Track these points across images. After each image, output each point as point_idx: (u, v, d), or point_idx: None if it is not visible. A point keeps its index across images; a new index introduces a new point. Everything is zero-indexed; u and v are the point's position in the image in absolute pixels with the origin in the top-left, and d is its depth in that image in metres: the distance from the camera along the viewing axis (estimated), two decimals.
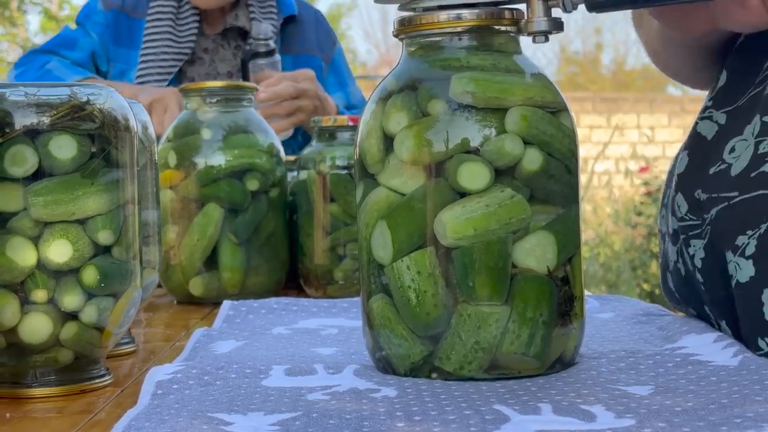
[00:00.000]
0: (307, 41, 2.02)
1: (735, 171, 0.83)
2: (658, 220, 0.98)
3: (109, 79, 1.94)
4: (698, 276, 0.86)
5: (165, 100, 1.72)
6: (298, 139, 1.90)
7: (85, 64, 1.94)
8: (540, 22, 0.77)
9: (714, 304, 0.86)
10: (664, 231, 0.95)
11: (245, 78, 1.81)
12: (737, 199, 0.82)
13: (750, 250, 0.80)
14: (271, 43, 1.84)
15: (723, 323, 0.86)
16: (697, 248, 0.86)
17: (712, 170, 0.85)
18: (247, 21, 1.96)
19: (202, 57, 1.97)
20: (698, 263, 0.86)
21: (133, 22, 1.95)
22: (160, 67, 1.91)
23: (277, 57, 1.84)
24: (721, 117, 0.86)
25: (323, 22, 2.12)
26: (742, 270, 0.80)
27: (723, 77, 0.87)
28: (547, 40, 0.78)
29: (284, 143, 1.44)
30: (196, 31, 1.95)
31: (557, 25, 0.78)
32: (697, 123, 0.88)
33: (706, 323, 0.89)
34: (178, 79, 1.94)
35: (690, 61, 1.00)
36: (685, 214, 0.87)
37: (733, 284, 0.82)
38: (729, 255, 0.82)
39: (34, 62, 1.95)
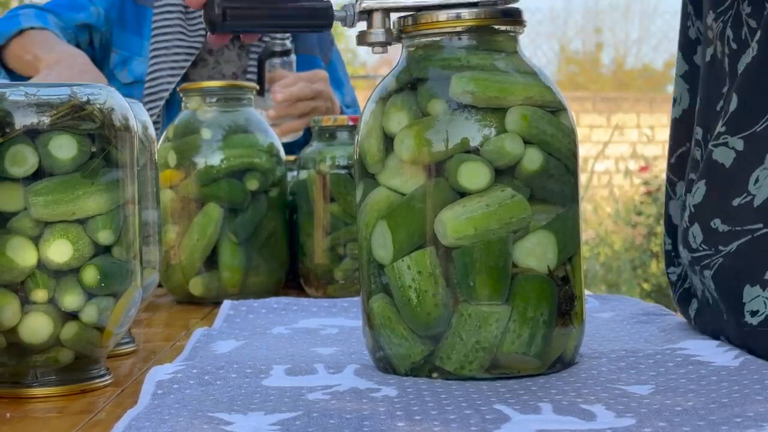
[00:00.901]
0: (308, 41, 2.01)
1: (758, 202, 0.81)
2: (664, 246, 0.96)
3: (112, 68, 1.90)
4: (722, 306, 0.84)
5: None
6: (299, 140, 1.90)
7: (73, 29, 1.87)
8: (378, 33, 0.79)
9: (727, 335, 0.85)
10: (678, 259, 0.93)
11: (260, 77, 1.79)
12: (762, 231, 0.80)
13: None
14: (288, 43, 1.83)
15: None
16: (708, 279, 0.84)
17: (736, 202, 0.83)
18: None
19: (205, 58, 1.94)
20: (715, 294, 0.84)
21: (140, 9, 1.91)
22: (174, 61, 1.88)
23: (293, 57, 1.83)
24: (738, 143, 0.84)
25: None
26: None
27: (734, 101, 0.85)
28: (386, 51, 0.81)
29: (284, 143, 1.43)
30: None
31: (394, 37, 0.80)
32: (711, 150, 0.86)
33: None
34: (182, 81, 1.92)
35: None
36: (700, 245, 0.85)
37: (758, 321, 0.79)
38: (754, 290, 0.80)
39: (16, 10, 1.89)
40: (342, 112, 1.89)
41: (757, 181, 0.81)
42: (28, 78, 1.85)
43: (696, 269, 0.86)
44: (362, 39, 0.81)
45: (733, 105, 0.85)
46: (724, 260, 0.82)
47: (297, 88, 1.74)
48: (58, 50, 1.78)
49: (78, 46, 1.86)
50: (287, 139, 1.79)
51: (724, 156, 0.84)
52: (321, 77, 1.80)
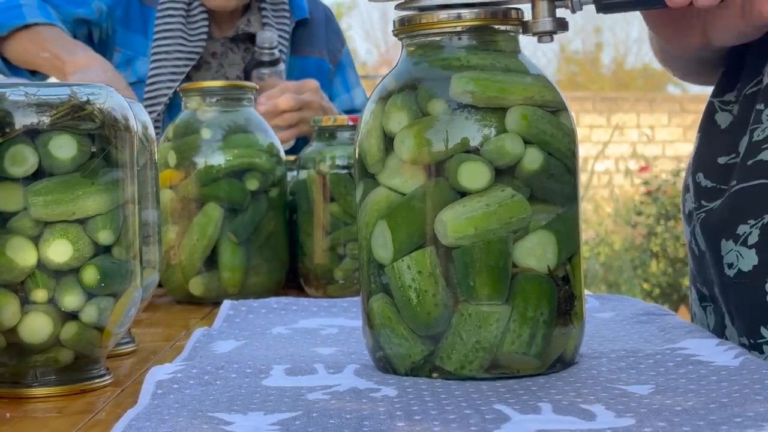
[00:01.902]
0: (316, 43, 1.99)
1: (743, 162, 0.83)
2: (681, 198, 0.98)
3: (115, 67, 1.89)
4: (707, 258, 0.87)
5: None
6: (298, 144, 1.89)
7: (71, 23, 1.87)
8: (545, 22, 0.78)
9: (716, 287, 0.86)
10: (684, 211, 0.95)
11: None
12: (736, 187, 0.82)
13: (753, 239, 0.80)
14: (276, 52, 1.82)
15: (730, 306, 0.86)
16: (699, 234, 0.86)
17: (721, 160, 0.85)
18: (259, 26, 1.90)
19: (209, 61, 1.93)
20: (702, 246, 0.86)
21: (145, 8, 1.90)
22: (174, 66, 1.87)
23: (282, 66, 1.82)
24: (735, 108, 0.87)
25: (333, 21, 2.07)
26: (745, 259, 0.80)
27: (742, 70, 0.88)
28: (551, 39, 0.79)
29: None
30: (206, 29, 1.89)
31: (562, 25, 0.79)
32: (714, 111, 0.88)
33: (709, 332, 0.89)
34: (185, 83, 1.91)
35: (692, 69, 1.01)
36: (687, 197, 0.88)
37: (733, 273, 0.82)
38: (728, 244, 0.82)
39: (17, 0, 1.85)
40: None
41: (749, 140, 0.83)
42: (33, 72, 1.84)
43: (692, 220, 0.89)
44: (529, 28, 0.79)
45: (745, 72, 0.88)
46: (705, 215, 0.84)
47: (282, 100, 1.73)
48: (81, 53, 1.78)
49: (75, 38, 1.86)
50: None
51: (723, 119, 0.87)
52: (310, 87, 1.78)
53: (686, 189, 0.93)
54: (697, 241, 0.88)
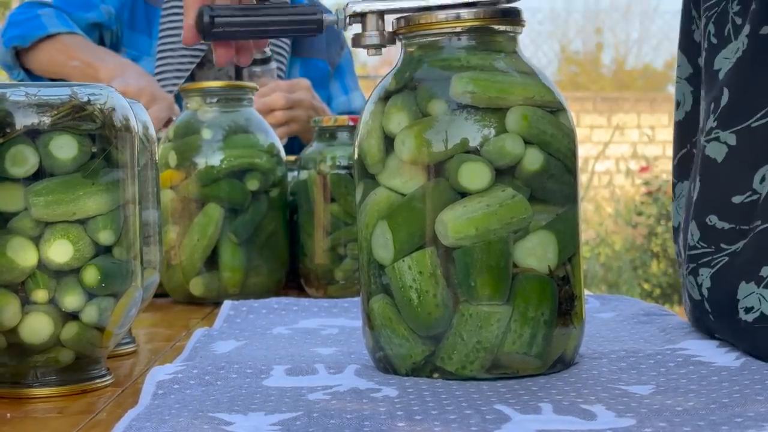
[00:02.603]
0: (316, 44, 1.99)
1: (763, 200, 0.80)
2: (675, 243, 0.95)
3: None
4: (706, 306, 0.84)
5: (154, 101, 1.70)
6: (294, 144, 1.89)
7: (88, 29, 1.88)
8: (372, 36, 0.81)
9: (719, 335, 0.84)
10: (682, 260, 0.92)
11: None
12: (762, 227, 0.79)
13: None
14: (267, 51, 1.82)
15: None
16: (705, 277, 0.83)
17: (737, 199, 0.82)
18: None
19: (211, 60, 1.94)
20: (705, 293, 0.84)
21: (150, 9, 1.91)
22: (180, 63, 1.88)
23: (273, 65, 1.82)
24: (730, 138, 0.83)
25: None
26: None
27: (725, 96, 0.84)
28: (381, 53, 0.83)
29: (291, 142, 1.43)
30: None
31: (390, 39, 0.81)
32: (704, 146, 0.85)
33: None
34: (188, 82, 1.92)
35: None
36: (698, 242, 0.84)
37: (753, 317, 0.79)
38: (749, 287, 0.79)
39: (34, 11, 1.86)
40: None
41: (764, 179, 0.80)
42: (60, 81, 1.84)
43: (689, 267, 0.85)
44: (357, 41, 0.83)
45: (724, 100, 0.84)
46: (728, 260, 0.81)
47: (273, 98, 1.73)
48: (111, 60, 1.79)
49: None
50: None
51: (715, 151, 0.84)
52: (301, 86, 1.78)
53: (687, 237, 0.89)
54: (701, 290, 0.85)
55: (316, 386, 0.71)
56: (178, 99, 1.85)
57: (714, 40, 0.86)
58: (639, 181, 6.75)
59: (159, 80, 1.86)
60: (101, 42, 1.91)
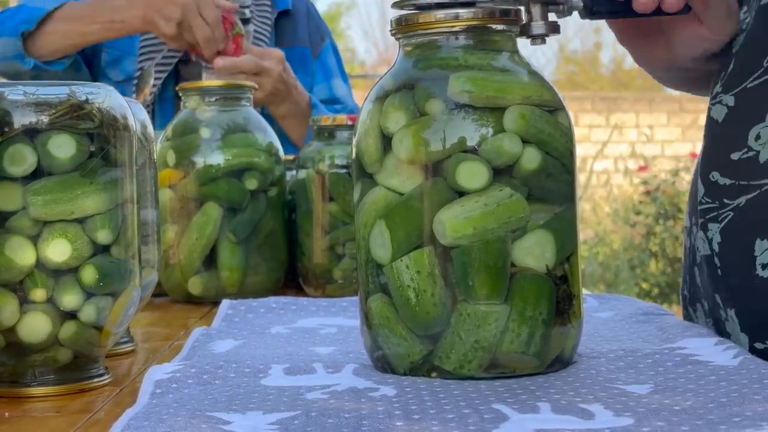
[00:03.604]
0: (298, 34, 1.99)
1: (763, 158, 0.83)
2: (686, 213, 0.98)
3: (103, 67, 1.90)
4: (716, 260, 0.86)
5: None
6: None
7: None
8: (538, 26, 0.78)
9: (728, 290, 0.86)
10: (693, 217, 0.95)
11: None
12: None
13: None
14: (247, 12, 1.82)
15: (732, 312, 0.85)
16: (714, 232, 0.86)
17: (735, 156, 0.85)
18: (237, 15, 1.92)
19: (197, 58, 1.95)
20: (716, 248, 0.86)
21: None
22: (163, 57, 1.88)
23: (251, 27, 1.81)
24: (729, 99, 0.87)
25: (314, 15, 2.08)
26: None
27: (732, 64, 0.89)
28: (544, 42, 0.80)
29: (283, 143, 1.43)
30: None
31: (555, 28, 0.80)
32: (710, 109, 0.90)
33: (708, 329, 0.89)
34: (173, 79, 1.92)
35: (672, 82, 1.04)
36: (702, 198, 0.87)
37: (765, 273, 0.81)
38: (764, 243, 0.81)
39: (16, 7, 1.87)
40: (313, 104, 1.86)
41: (758, 137, 0.83)
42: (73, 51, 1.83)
43: (699, 222, 0.87)
44: (523, 31, 0.80)
45: (730, 67, 0.89)
46: (734, 214, 0.83)
47: (241, 60, 1.72)
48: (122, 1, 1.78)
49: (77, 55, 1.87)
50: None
51: (717, 113, 0.87)
52: (274, 56, 1.77)
53: (694, 194, 0.92)
54: (711, 245, 0.87)
55: (314, 385, 0.71)
56: (165, 94, 1.87)
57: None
58: (637, 181, 6.75)
59: (141, 65, 1.87)
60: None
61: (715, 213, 0.86)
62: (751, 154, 0.83)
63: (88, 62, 1.90)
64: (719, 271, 0.85)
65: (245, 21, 1.80)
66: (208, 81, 1.47)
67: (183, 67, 1.92)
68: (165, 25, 1.71)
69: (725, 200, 0.85)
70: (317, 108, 1.87)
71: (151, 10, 1.72)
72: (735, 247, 0.84)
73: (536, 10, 0.79)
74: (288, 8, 1.99)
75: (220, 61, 1.68)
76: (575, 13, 0.86)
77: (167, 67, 1.88)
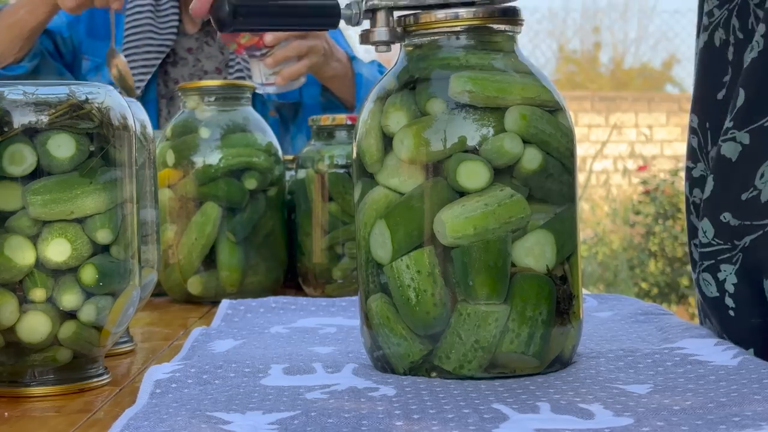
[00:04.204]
0: None
1: (765, 197, 0.82)
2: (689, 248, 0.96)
3: (84, 74, 1.90)
4: (728, 301, 0.85)
5: None
6: (302, 131, 1.88)
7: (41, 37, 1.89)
8: (381, 32, 0.80)
9: (742, 331, 0.85)
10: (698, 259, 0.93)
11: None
12: None
13: None
14: None
15: (751, 351, 0.84)
16: (728, 273, 0.84)
17: (744, 196, 0.83)
18: None
19: (185, 57, 1.94)
20: (730, 288, 0.85)
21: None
22: (145, 59, 1.89)
23: None
24: (744, 137, 0.84)
25: None
26: None
27: (741, 96, 0.85)
28: (389, 49, 0.81)
29: (283, 142, 1.43)
30: (176, 23, 1.91)
31: (398, 36, 0.80)
32: (720, 146, 0.86)
33: (708, 329, 0.89)
34: (162, 80, 1.93)
35: None
36: (713, 239, 0.85)
37: None
38: None
39: None
40: (351, 57, 1.83)
41: (762, 175, 0.82)
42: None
43: (703, 264, 0.86)
44: (366, 38, 0.82)
45: (740, 100, 0.85)
46: (743, 255, 0.83)
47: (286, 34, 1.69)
48: None
49: (44, 54, 1.87)
50: (291, 86, 1.73)
51: (731, 151, 0.85)
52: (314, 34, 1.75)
53: (692, 234, 0.90)
54: (724, 286, 0.86)
55: (313, 385, 0.71)
56: (149, 96, 1.86)
57: (740, 35, 0.87)
58: (636, 181, 6.75)
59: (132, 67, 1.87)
60: (57, 50, 1.92)
61: (729, 255, 0.84)
62: (755, 193, 0.82)
63: (69, 69, 1.91)
64: (731, 312, 0.85)
65: None
66: (257, 69, 1.43)
67: (173, 69, 1.92)
68: None
69: (735, 241, 0.84)
70: (357, 60, 1.84)
71: None
72: (746, 290, 0.83)
73: (381, 16, 0.80)
74: None
75: (269, 36, 1.64)
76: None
77: (150, 69, 1.88)
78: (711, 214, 0.86)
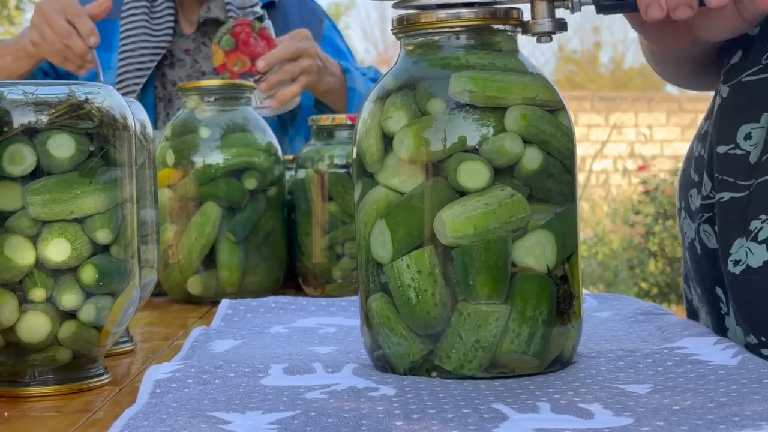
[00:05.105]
0: (290, 25, 1.96)
1: (754, 158, 0.82)
2: (677, 197, 0.97)
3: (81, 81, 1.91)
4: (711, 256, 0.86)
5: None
6: (300, 131, 1.88)
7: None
8: (544, 23, 0.78)
9: (724, 284, 0.86)
10: (682, 207, 0.94)
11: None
12: (754, 183, 0.81)
13: (764, 234, 0.79)
14: (258, 9, 1.80)
15: (732, 304, 0.85)
16: (708, 231, 0.85)
17: (720, 149, 0.84)
18: (220, 11, 1.89)
19: (182, 59, 1.94)
20: (710, 244, 0.86)
21: (106, 24, 1.91)
22: (140, 62, 1.88)
23: (268, 22, 1.79)
24: (725, 90, 0.86)
25: (307, 1, 2.07)
26: (754, 254, 0.79)
27: (736, 57, 0.87)
28: (551, 40, 0.80)
29: (281, 143, 1.43)
30: (172, 24, 1.91)
31: (561, 26, 0.79)
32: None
33: (706, 327, 0.89)
34: (160, 83, 1.92)
35: (682, 71, 1.01)
36: (710, 192, 0.87)
37: (739, 270, 0.80)
38: (740, 241, 0.81)
39: None
40: (344, 69, 1.83)
41: (749, 137, 0.82)
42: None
43: (704, 216, 0.87)
44: (528, 29, 0.80)
45: (734, 59, 0.87)
46: (717, 208, 0.83)
47: (278, 50, 1.70)
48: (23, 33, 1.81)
49: (39, 75, 1.88)
50: (287, 108, 1.75)
51: (716, 104, 0.86)
52: (303, 35, 1.74)
53: (692, 185, 0.91)
54: (701, 238, 0.87)
55: (313, 385, 0.71)
56: (146, 99, 1.87)
57: None
58: (636, 180, 6.75)
59: (122, 80, 1.88)
60: (51, 67, 1.93)
61: (712, 213, 0.86)
62: (738, 152, 0.83)
63: (66, 80, 1.91)
64: (711, 268, 0.86)
65: (261, 18, 1.78)
66: (252, 93, 1.46)
67: (170, 70, 1.92)
68: (46, 46, 1.72)
69: (713, 193, 0.84)
70: (350, 72, 1.85)
71: (32, 31, 1.74)
72: (721, 244, 0.83)
73: (542, 6, 0.79)
74: (272, 0, 1.96)
75: (261, 63, 1.67)
76: (575, 12, 0.86)
77: (146, 72, 1.88)
78: (708, 169, 0.87)
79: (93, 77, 1.81)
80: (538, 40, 0.79)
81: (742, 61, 0.86)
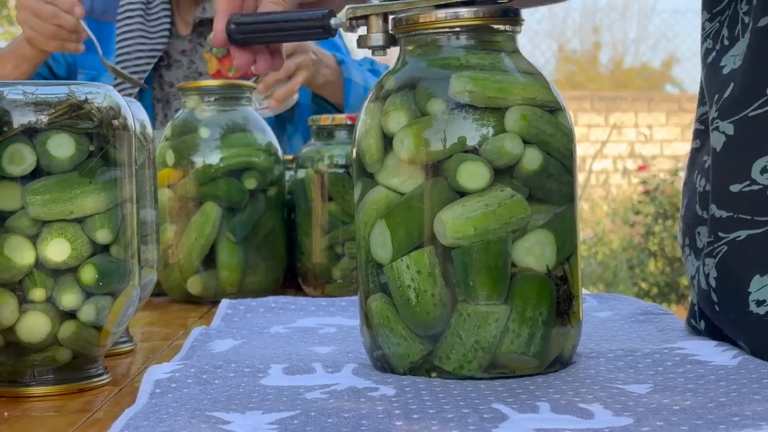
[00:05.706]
0: None
1: None
2: (680, 232, 0.95)
3: None
4: (713, 296, 0.84)
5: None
6: (299, 130, 1.87)
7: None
8: (378, 37, 0.84)
9: (730, 324, 0.84)
10: (685, 244, 0.92)
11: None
12: None
13: None
14: None
15: (741, 342, 0.84)
16: (710, 267, 0.84)
17: (735, 188, 0.82)
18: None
19: (179, 60, 1.94)
20: (712, 283, 0.84)
21: (102, 27, 1.92)
22: (136, 65, 1.89)
23: None
24: (728, 128, 0.84)
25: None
26: None
27: (729, 89, 0.85)
28: (385, 54, 0.85)
29: (280, 142, 1.43)
30: (168, 26, 1.91)
31: (393, 41, 0.82)
32: (710, 137, 0.86)
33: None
34: (158, 84, 1.92)
35: None
36: (718, 233, 0.85)
37: (763, 310, 0.79)
38: (763, 279, 0.79)
39: None
40: (339, 61, 1.83)
41: (765, 170, 0.80)
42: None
43: (703, 254, 0.86)
44: (362, 43, 0.84)
45: (727, 92, 0.85)
46: (729, 248, 0.82)
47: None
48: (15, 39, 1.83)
49: (35, 75, 1.88)
50: (286, 106, 1.75)
51: (716, 141, 0.84)
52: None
53: (700, 222, 0.89)
54: (708, 280, 0.85)
55: (313, 385, 0.71)
56: (144, 102, 1.87)
57: (726, 42, 0.87)
58: (636, 180, 6.75)
59: (117, 83, 1.87)
60: (51, 72, 1.93)
61: (711, 248, 0.84)
62: (755, 187, 0.81)
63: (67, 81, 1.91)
64: (716, 307, 0.84)
65: None
66: (260, 105, 1.45)
67: (166, 71, 1.92)
68: (39, 36, 1.73)
69: (720, 233, 0.82)
70: (346, 63, 1.84)
71: (24, 28, 1.76)
72: (730, 284, 0.82)
73: (377, 21, 0.84)
74: None
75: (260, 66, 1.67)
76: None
77: (142, 74, 1.88)
78: (706, 206, 0.86)
79: (92, 51, 1.81)
80: (373, 54, 0.84)
81: (742, 95, 0.84)
